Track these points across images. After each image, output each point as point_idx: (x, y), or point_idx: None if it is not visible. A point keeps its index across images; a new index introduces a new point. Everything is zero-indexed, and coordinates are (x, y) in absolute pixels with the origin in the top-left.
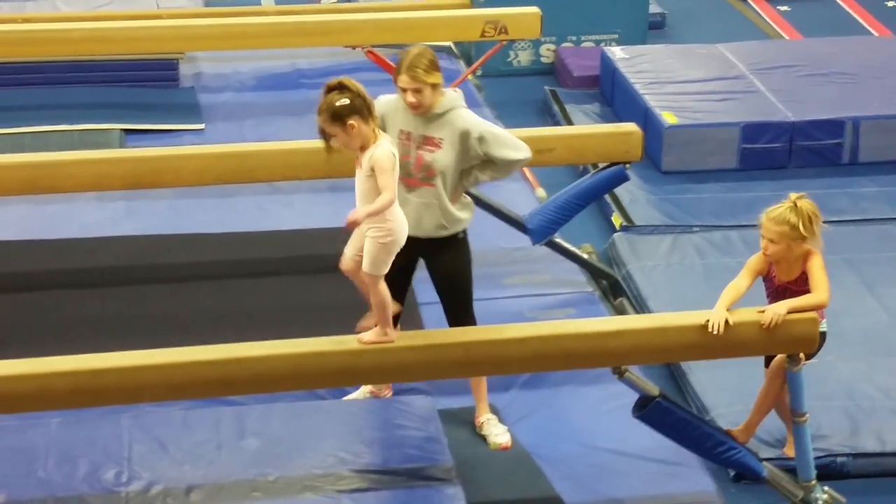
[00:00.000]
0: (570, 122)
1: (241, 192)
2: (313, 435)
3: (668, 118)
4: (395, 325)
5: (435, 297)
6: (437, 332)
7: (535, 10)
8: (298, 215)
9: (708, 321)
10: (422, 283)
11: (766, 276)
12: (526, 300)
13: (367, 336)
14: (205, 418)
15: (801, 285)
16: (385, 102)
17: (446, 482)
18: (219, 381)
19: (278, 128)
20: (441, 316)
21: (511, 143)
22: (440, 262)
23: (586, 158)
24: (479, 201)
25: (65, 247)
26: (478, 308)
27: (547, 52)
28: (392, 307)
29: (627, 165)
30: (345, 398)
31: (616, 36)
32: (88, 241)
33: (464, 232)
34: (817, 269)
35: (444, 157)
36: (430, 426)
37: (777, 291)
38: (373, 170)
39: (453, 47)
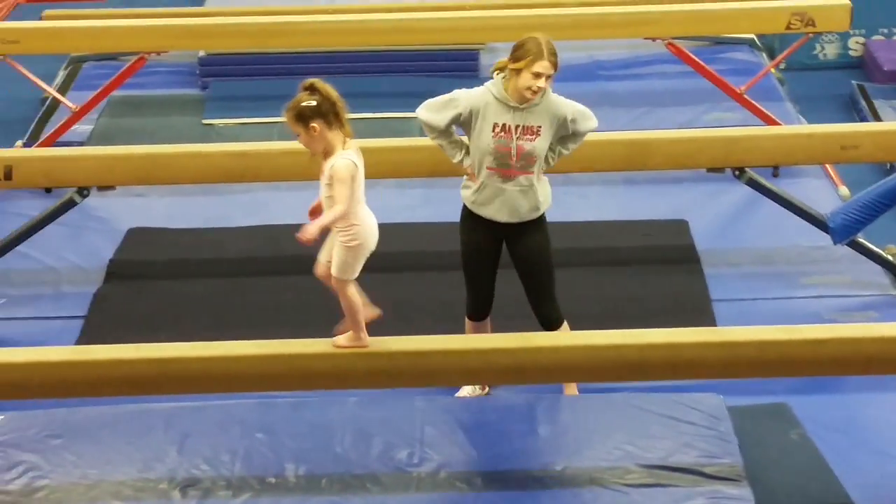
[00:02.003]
0: (877, 118)
1: None
2: (601, 427)
3: None
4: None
5: (730, 293)
6: (731, 330)
7: (844, 1)
8: (592, 207)
9: None
10: (714, 278)
11: None
12: (824, 301)
13: (341, 340)
14: (494, 405)
15: None
16: (474, 98)
17: (735, 482)
18: (512, 369)
19: None
20: (738, 312)
21: (589, 112)
22: (528, 242)
23: (895, 156)
24: (779, 198)
25: None
26: (774, 306)
27: (856, 45)
28: (371, 312)
29: None
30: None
31: None
32: (387, 226)
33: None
34: None
35: (542, 143)
36: (721, 425)
37: None
38: (332, 178)
39: (756, 39)
